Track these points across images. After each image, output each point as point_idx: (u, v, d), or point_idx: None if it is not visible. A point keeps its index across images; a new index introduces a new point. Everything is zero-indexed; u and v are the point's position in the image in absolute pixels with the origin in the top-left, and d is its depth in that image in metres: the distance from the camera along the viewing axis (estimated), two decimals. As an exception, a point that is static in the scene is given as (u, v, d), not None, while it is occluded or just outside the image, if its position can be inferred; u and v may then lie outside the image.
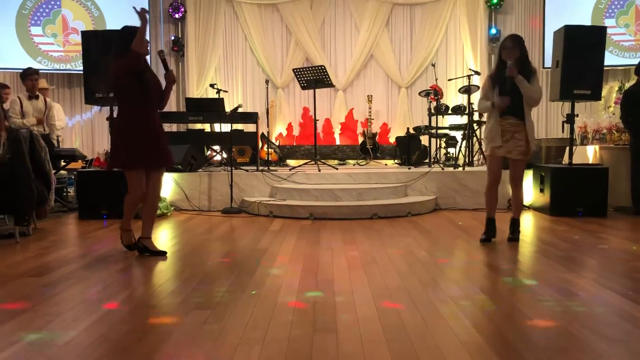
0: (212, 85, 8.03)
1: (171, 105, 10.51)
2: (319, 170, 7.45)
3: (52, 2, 9.94)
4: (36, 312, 2.94)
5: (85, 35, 6.71)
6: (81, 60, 6.80)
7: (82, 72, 6.94)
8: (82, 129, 10.39)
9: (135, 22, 4.21)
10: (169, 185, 7.14)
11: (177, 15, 10.25)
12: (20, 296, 3.26)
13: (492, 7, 10.21)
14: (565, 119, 6.54)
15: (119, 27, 6.71)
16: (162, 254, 4.41)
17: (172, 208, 6.96)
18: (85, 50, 6.50)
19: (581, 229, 5.58)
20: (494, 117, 4.68)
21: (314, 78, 7.92)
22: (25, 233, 5.15)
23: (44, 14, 9.93)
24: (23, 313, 2.93)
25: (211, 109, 7.91)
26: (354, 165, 9.49)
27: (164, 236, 5.46)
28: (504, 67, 4.61)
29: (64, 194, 7.52)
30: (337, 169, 7.74)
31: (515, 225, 4.87)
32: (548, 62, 8.15)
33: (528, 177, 7.03)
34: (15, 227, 4.99)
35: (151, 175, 4.38)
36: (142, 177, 4.29)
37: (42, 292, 3.36)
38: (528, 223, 6.02)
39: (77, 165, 7.85)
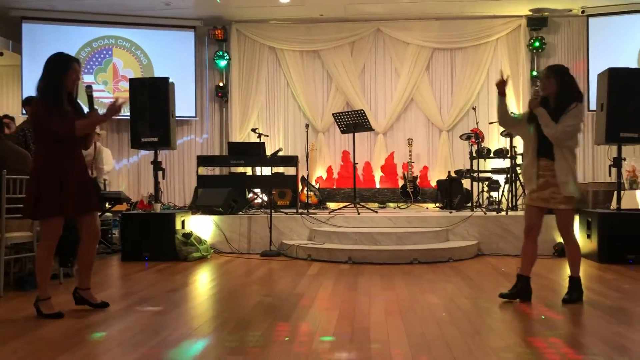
0: (254, 130, 8.19)
1: (214, 149, 10.75)
2: (358, 214, 7.40)
3: (104, 52, 10.42)
4: (74, 354, 2.98)
5: (133, 82, 7.01)
6: (129, 106, 7.02)
7: (129, 117, 7.18)
8: (129, 172, 10.69)
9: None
10: (210, 227, 7.22)
11: (222, 63, 10.58)
12: (61, 337, 3.31)
13: (534, 50, 10.14)
14: (612, 163, 6.36)
15: (165, 75, 7.05)
16: (104, 306, 4.04)
17: (212, 250, 7.01)
18: (133, 97, 6.76)
19: (632, 277, 5.32)
20: (530, 156, 4.17)
21: (353, 122, 7.98)
22: (69, 274, 5.27)
23: (97, 63, 10.41)
24: (62, 354, 2.97)
25: (253, 152, 8.05)
26: (394, 208, 9.40)
27: (203, 278, 5.50)
28: (545, 101, 4.16)
29: (109, 235, 7.69)
30: (376, 212, 7.68)
31: (571, 285, 4.20)
32: (593, 105, 7.95)
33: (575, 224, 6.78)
34: (59, 269, 5.11)
35: (82, 221, 3.93)
36: (60, 227, 3.79)
37: (82, 333, 3.40)
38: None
39: (122, 207, 8.04)
